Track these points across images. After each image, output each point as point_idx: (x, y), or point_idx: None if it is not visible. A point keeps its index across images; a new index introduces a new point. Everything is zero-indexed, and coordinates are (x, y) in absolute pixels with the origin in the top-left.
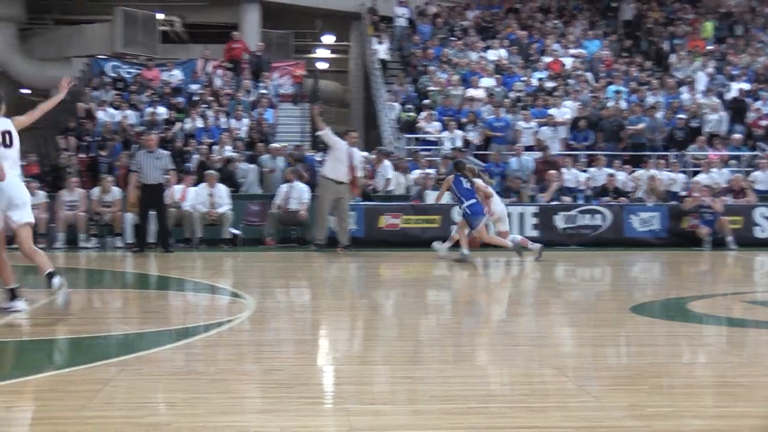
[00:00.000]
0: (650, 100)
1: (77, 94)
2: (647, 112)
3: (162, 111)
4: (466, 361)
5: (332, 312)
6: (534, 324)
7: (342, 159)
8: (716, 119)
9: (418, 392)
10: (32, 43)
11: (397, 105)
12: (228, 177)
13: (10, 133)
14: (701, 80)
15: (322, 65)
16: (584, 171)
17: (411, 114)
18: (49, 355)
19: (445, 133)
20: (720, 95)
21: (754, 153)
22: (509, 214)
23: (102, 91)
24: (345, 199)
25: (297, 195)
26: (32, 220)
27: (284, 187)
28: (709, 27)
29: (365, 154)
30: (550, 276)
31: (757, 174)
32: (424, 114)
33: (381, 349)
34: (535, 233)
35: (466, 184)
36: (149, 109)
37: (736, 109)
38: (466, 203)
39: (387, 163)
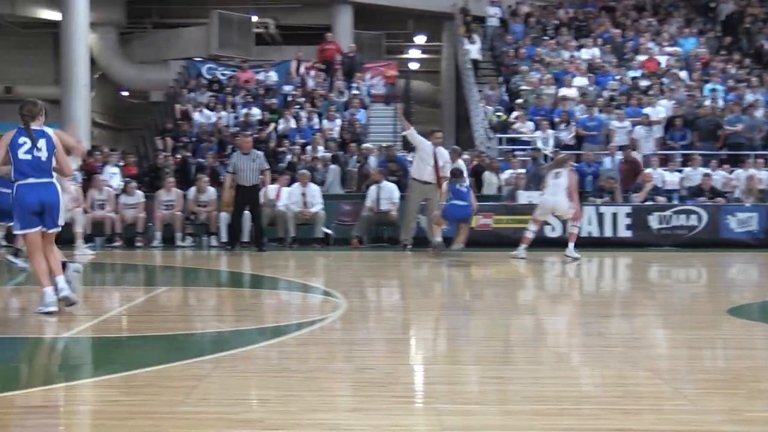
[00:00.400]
0: (749, 98)
1: (175, 96)
2: (746, 110)
3: (256, 112)
4: (558, 362)
5: (422, 312)
6: (628, 325)
7: (426, 159)
8: None
9: (509, 392)
10: (132, 47)
11: (489, 108)
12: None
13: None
14: None
15: (414, 65)
16: (679, 171)
17: (501, 115)
18: (146, 352)
19: (538, 133)
20: None
21: None
22: (602, 215)
23: (198, 92)
24: (433, 199)
25: (387, 195)
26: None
27: (373, 188)
28: None
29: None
30: (644, 277)
31: None
32: (516, 114)
33: (471, 349)
34: (628, 233)
35: (459, 187)
36: (243, 110)
37: None
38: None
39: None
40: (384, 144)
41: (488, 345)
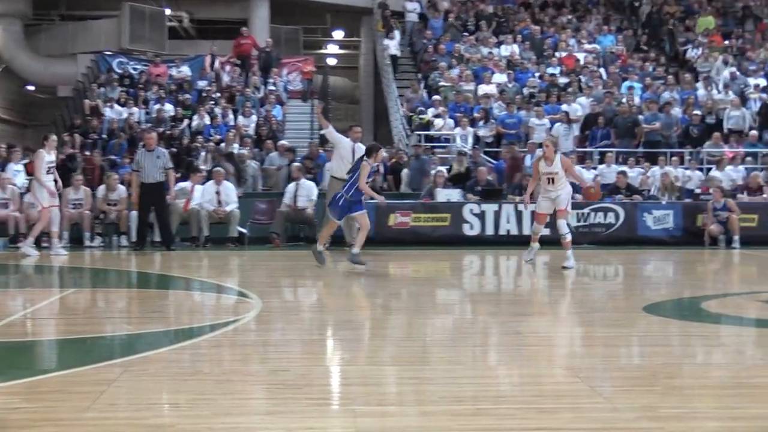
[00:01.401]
0: (665, 96)
1: (84, 91)
2: (662, 108)
3: (169, 108)
4: (475, 362)
5: (339, 312)
6: (545, 324)
7: (346, 156)
8: (738, 116)
9: (426, 393)
10: (38, 39)
11: (410, 113)
12: (237, 172)
13: None
14: (720, 75)
15: (331, 61)
16: (593, 169)
17: (424, 117)
18: (52, 356)
19: (457, 130)
20: (741, 93)
21: None
22: (521, 213)
23: (108, 87)
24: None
25: (305, 193)
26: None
27: (292, 186)
28: (705, 22)
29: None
30: (561, 275)
31: None
32: (434, 111)
33: (389, 349)
34: (546, 231)
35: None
36: (156, 106)
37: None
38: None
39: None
40: (299, 141)
41: (406, 345)
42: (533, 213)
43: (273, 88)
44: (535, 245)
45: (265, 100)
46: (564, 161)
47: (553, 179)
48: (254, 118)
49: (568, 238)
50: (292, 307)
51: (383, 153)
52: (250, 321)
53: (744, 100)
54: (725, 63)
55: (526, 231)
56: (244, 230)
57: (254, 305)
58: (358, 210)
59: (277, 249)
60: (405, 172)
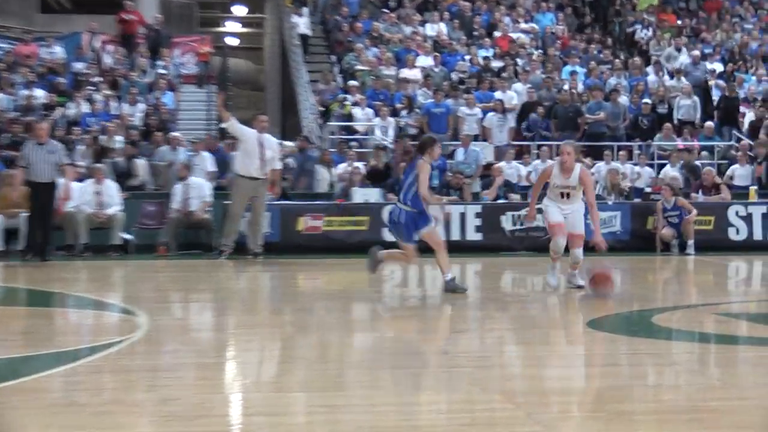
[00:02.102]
0: (612, 82)
1: None
2: (608, 96)
3: (40, 94)
4: (398, 386)
5: (241, 330)
6: (477, 342)
7: (252, 151)
8: (689, 105)
9: (341, 423)
10: None
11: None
12: (125, 172)
13: None
14: (676, 61)
15: (232, 41)
16: (527, 164)
17: (347, 104)
18: None
19: (377, 120)
20: (705, 82)
21: (730, 143)
22: (449, 215)
23: None
24: (260, 198)
25: (196, 193)
26: None
27: (179, 186)
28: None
29: (289, 143)
30: (496, 286)
31: (734, 168)
32: (350, 99)
33: (298, 373)
34: (478, 236)
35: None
36: (24, 92)
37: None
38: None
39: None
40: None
41: (318, 368)
42: (549, 226)
43: (163, 71)
44: (557, 264)
45: (154, 86)
46: (584, 175)
47: (568, 194)
48: (141, 106)
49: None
50: (185, 326)
51: (439, 148)
52: (135, 342)
53: (706, 90)
54: (678, 49)
55: (455, 235)
56: (129, 236)
57: (141, 324)
58: (424, 225)
59: (167, 258)
60: (316, 168)
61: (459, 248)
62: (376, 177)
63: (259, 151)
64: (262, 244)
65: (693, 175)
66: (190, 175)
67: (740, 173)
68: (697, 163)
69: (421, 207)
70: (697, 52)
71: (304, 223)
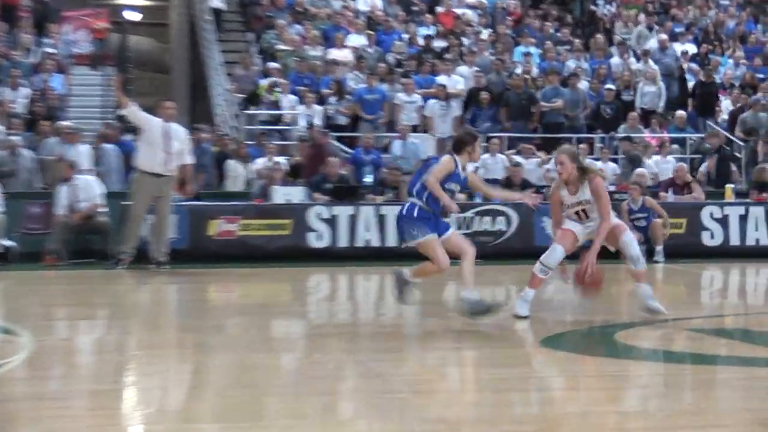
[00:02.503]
0: (570, 65)
1: None
2: (566, 81)
3: None
4: (324, 414)
5: (143, 352)
6: (415, 363)
7: (156, 142)
8: (653, 92)
9: None
10: None
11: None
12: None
13: None
14: (643, 40)
15: (132, 16)
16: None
17: (276, 90)
18: None
19: (301, 108)
20: (679, 68)
21: (703, 135)
22: (384, 217)
23: None
24: (165, 198)
25: (85, 194)
26: None
27: (64, 189)
28: None
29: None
30: (437, 298)
31: (707, 164)
32: (267, 81)
33: (209, 401)
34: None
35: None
36: None
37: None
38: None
39: None
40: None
41: (232, 394)
42: (554, 230)
43: (51, 50)
44: (531, 291)
45: (41, 68)
46: (597, 186)
47: (585, 211)
48: (25, 91)
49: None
50: (75, 347)
51: (479, 147)
52: (17, 367)
53: (682, 79)
54: (649, 28)
55: (391, 242)
56: (10, 243)
57: (23, 345)
58: (445, 229)
59: (56, 268)
60: (230, 163)
61: (395, 255)
62: (299, 173)
63: (164, 142)
64: (168, 252)
65: (632, 165)
66: (73, 174)
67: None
68: (671, 158)
69: (439, 207)
70: (664, 36)
71: (217, 227)
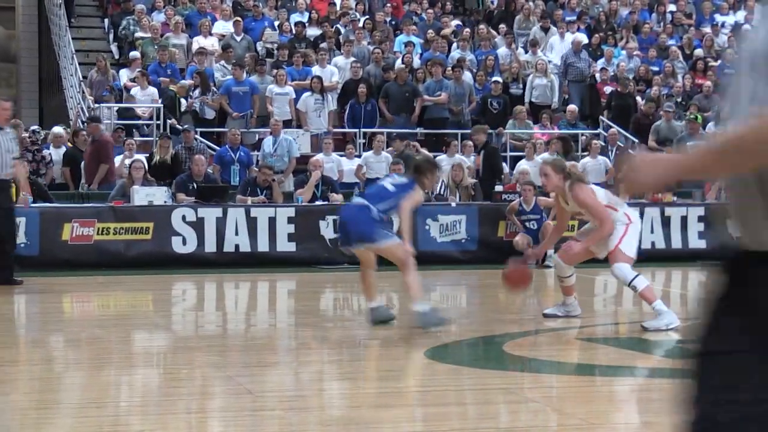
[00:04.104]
0: (455, 55)
1: None
2: (450, 72)
3: None
4: None
5: None
6: (290, 377)
7: None
8: (543, 85)
9: None
10: None
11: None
12: None
13: None
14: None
15: None
16: (357, 157)
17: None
18: None
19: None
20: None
21: (597, 132)
22: (256, 219)
23: None
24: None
25: None
26: None
27: None
28: None
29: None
30: (312, 307)
31: (586, 162)
32: (130, 73)
33: (64, 421)
34: (291, 246)
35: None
36: None
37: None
38: None
39: None
40: None
41: (90, 414)
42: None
43: None
44: (570, 299)
45: None
46: (577, 196)
47: (584, 221)
48: None
49: (640, 287)
50: None
51: (435, 176)
52: None
53: (593, 87)
54: (545, 29)
55: (262, 246)
56: None
57: None
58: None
59: None
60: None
61: (267, 261)
62: (161, 173)
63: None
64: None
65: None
66: None
67: (593, 167)
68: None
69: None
70: (580, 37)
71: (71, 231)
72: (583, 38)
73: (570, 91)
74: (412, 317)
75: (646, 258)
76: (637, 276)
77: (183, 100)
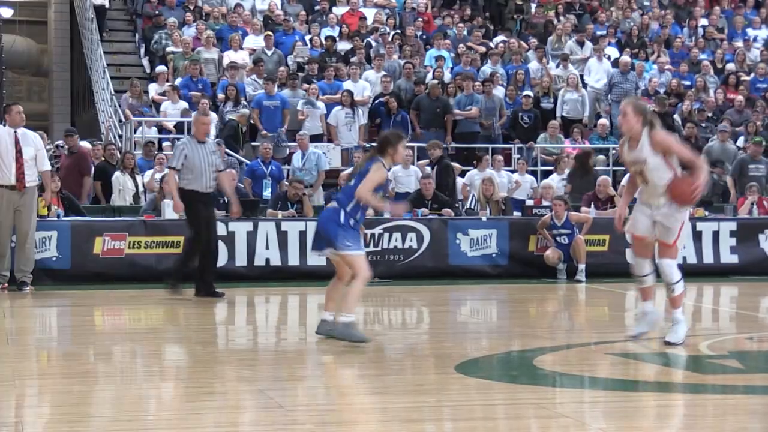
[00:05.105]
0: (486, 70)
1: None
2: (481, 87)
3: None
4: None
5: (21, 381)
6: (320, 391)
7: (7, 151)
8: (575, 99)
9: None
10: None
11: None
12: None
13: None
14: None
15: (4, 12)
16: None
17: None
18: None
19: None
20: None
21: None
22: (286, 233)
23: None
24: (26, 212)
25: None
26: None
27: None
28: None
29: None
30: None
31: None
32: (158, 88)
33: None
34: (321, 260)
35: None
36: None
37: None
38: None
39: None
40: None
41: (119, 429)
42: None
43: None
44: (648, 306)
45: None
46: (664, 136)
47: (643, 174)
48: None
49: (678, 291)
50: None
51: (403, 149)
52: None
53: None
54: (580, 43)
55: (293, 260)
56: None
57: None
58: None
59: None
60: (118, 175)
61: (298, 275)
62: None
63: (14, 150)
64: (30, 271)
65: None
66: None
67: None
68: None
69: (361, 219)
70: (627, 58)
71: (103, 245)
72: (613, 52)
73: (612, 111)
74: (325, 325)
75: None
76: (681, 279)
77: (244, 129)
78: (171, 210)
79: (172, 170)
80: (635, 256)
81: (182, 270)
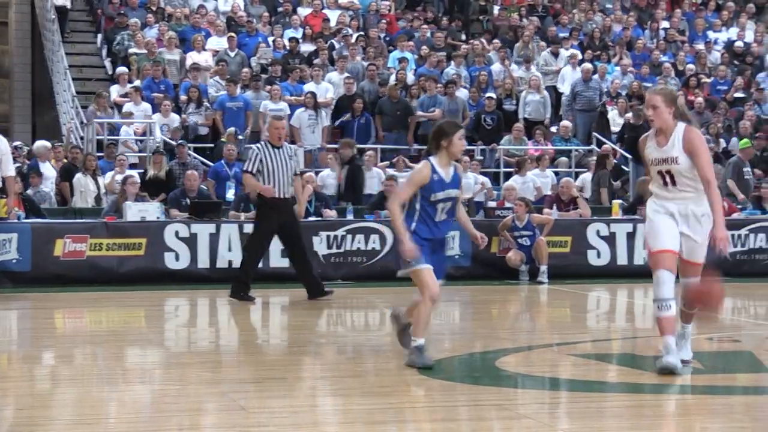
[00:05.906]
0: (450, 72)
1: None
2: (444, 89)
3: None
4: None
5: None
6: (280, 393)
7: None
8: (537, 101)
9: None
10: None
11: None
12: None
13: None
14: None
15: None
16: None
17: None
18: None
19: (156, 117)
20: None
21: (589, 148)
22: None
23: None
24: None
25: None
26: None
27: None
28: None
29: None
30: (306, 322)
31: (584, 177)
32: (120, 89)
33: None
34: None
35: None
36: None
37: None
38: None
39: None
40: None
41: (81, 431)
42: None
43: None
44: (687, 329)
45: None
46: (699, 138)
47: (671, 174)
48: None
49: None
50: None
51: (459, 140)
52: None
53: (603, 116)
54: (554, 54)
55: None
56: None
57: None
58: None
59: None
60: (79, 177)
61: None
62: (155, 188)
63: None
64: None
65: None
66: None
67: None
68: (550, 171)
69: (411, 231)
70: (588, 65)
71: (64, 247)
72: (589, 67)
73: (577, 120)
74: None
75: (643, 274)
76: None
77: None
78: (132, 213)
79: (247, 174)
80: (657, 267)
81: (246, 281)
